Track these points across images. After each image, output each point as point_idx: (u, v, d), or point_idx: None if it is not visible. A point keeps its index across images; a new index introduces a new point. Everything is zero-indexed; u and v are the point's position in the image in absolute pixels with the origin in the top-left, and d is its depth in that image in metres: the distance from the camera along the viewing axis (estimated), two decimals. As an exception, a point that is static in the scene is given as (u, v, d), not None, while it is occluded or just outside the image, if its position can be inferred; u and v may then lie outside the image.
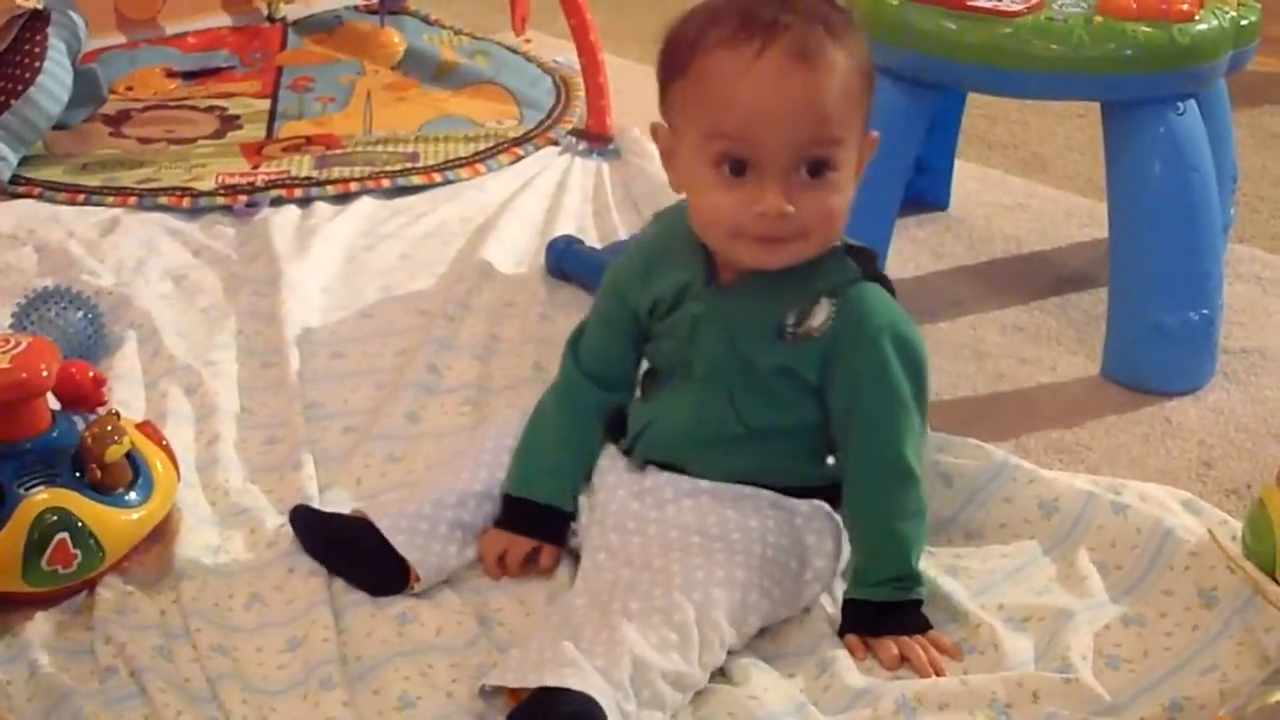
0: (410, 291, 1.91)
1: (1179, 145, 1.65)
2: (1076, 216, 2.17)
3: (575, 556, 1.34)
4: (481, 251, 1.98)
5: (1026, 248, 2.08)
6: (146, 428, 1.44)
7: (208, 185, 2.21)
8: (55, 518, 1.28)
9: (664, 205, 2.07)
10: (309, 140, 2.42)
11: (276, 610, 1.30)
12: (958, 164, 2.20)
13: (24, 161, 2.28)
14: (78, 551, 1.28)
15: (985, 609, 1.27)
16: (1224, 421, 1.64)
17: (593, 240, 2.03)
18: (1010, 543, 1.37)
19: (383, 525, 1.32)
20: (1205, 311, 1.67)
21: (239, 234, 2.08)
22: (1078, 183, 2.30)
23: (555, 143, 2.42)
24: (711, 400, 1.29)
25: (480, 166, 2.32)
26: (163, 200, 2.17)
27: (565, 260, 1.92)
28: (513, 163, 2.35)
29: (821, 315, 1.24)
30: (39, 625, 1.27)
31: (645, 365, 1.40)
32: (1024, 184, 2.30)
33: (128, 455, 1.35)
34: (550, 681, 1.09)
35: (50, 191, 2.21)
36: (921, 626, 1.25)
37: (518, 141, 2.41)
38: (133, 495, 1.34)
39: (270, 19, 3.05)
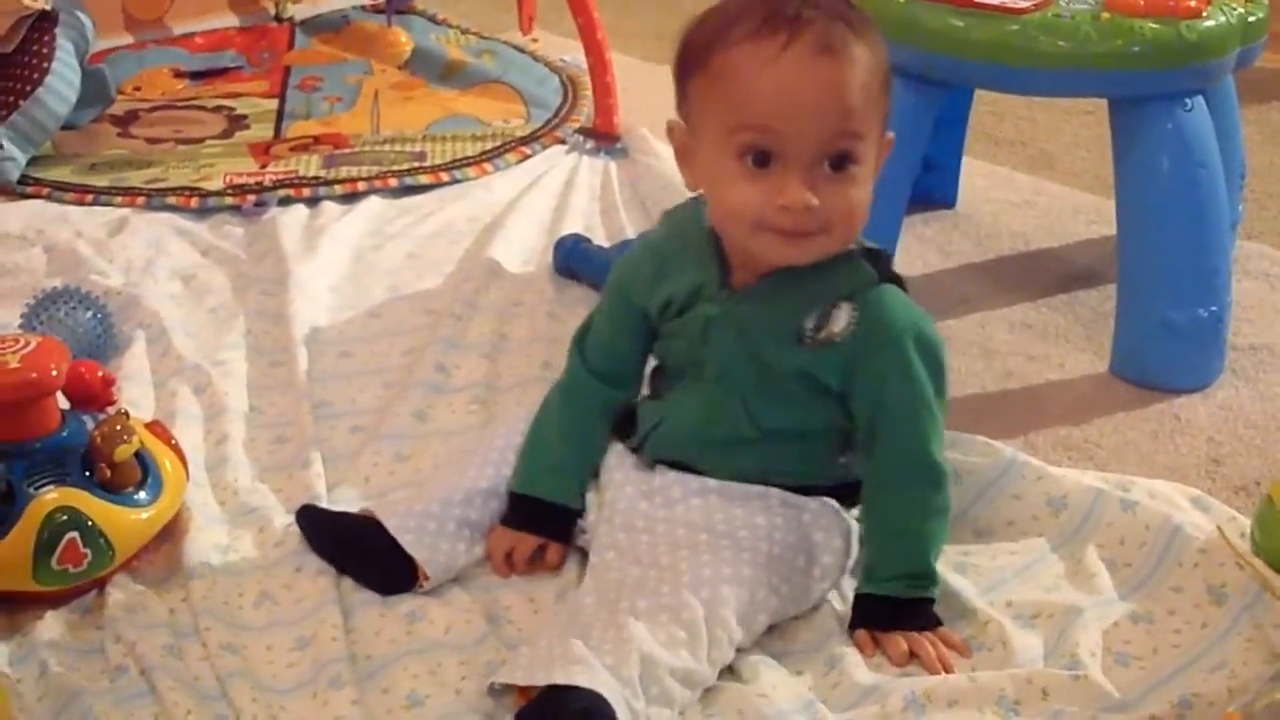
0: (418, 291, 1.91)
1: (1187, 142, 1.65)
2: (1084, 213, 2.16)
3: (584, 554, 1.34)
4: (489, 250, 1.98)
5: (1034, 245, 2.08)
6: (155, 427, 1.44)
7: (216, 185, 2.22)
8: (65, 517, 1.28)
9: (672, 204, 2.08)
10: (316, 140, 2.42)
11: (286, 609, 1.30)
12: (965, 161, 2.20)
13: (32, 162, 2.28)
14: (88, 550, 1.29)
15: (994, 606, 1.27)
16: (1233, 418, 1.63)
17: (600, 239, 2.03)
18: (1019, 540, 1.36)
19: (390, 524, 1.33)
20: (1214, 308, 1.67)
21: (247, 234, 2.09)
22: (1085, 179, 2.30)
23: (563, 142, 2.42)
24: (724, 402, 1.29)
25: (488, 166, 2.32)
26: (171, 200, 2.18)
27: (573, 259, 1.92)
28: (520, 162, 2.35)
29: (843, 320, 1.24)
30: (49, 624, 1.28)
31: (653, 362, 1.40)
32: (1031, 181, 2.29)
33: (137, 454, 1.35)
34: (559, 679, 1.09)
35: (59, 192, 2.22)
36: (931, 623, 1.25)
37: (525, 140, 2.41)
38: (142, 494, 1.35)
39: (277, 19, 3.05)
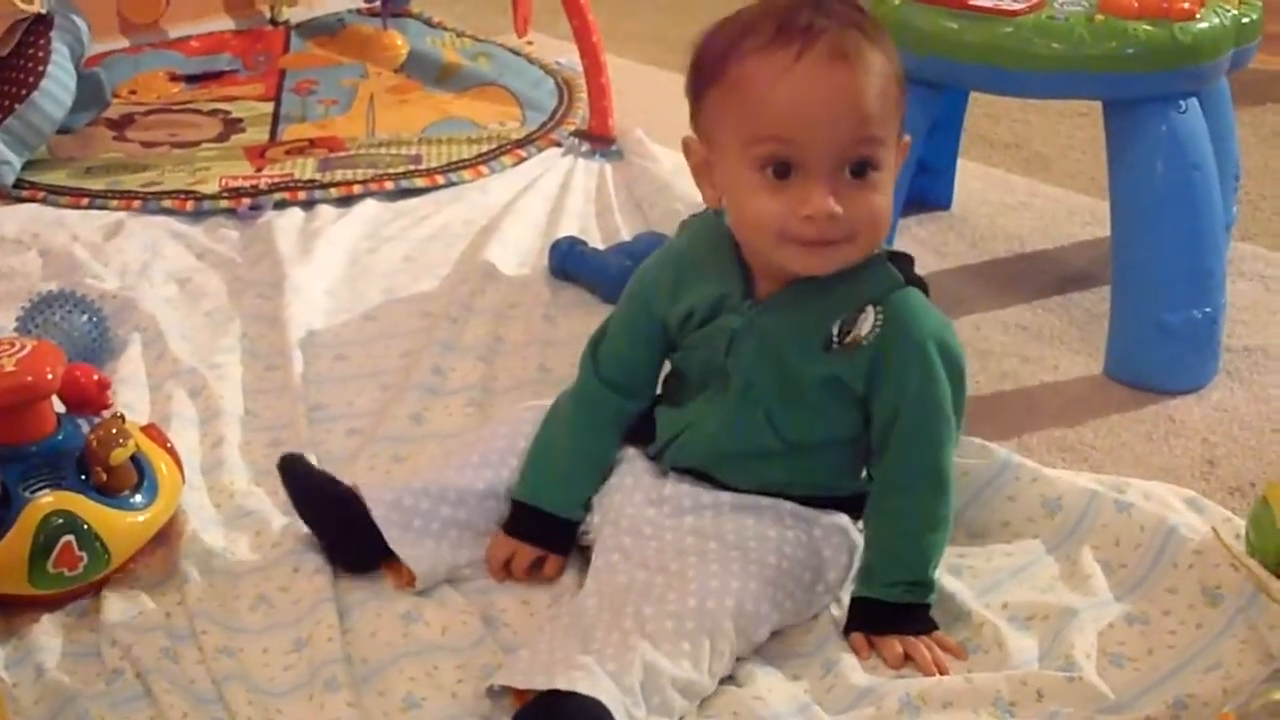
0: (414, 293, 1.92)
1: (1181, 143, 1.65)
2: (1079, 215, 2.17)
3: (584, 557, 1.34)
4: (485, 253, 1.98)
5: (1029, 247, 2.08)
6: (151, 430, 1.44)
7: (211, 188, 2.22)
8: (61, 520, 1.28)
9: (667, 206, 2.09)
10: (312, 143, 2.42)
11: (282, 611, 1.30)
12: (960, 163, 2.20)
13: (28, 165, 2.28)
14: (83, 554, 1.29)
15: (989, 608, 1.27)
16: (1227, 420, 1.64)
17: (596, 241, 2.03)
18: (1014, 541, 1.37)
19: (376, 515, 1.32)
20: (1208, 310, 1.67)
21: (243, 237, 2.09)
22: (1080, 181, 2.30)
23: (558, 144, 2.43)
24: (747, 414, 1.28)
25: (483, 168, 2.32)
26: (166, 203, 2.18)
27: (568, 261, 1.92)
28: (515, 164, 2.35)
29: (868, 323, 1.23)
30: (45, 628, 1.28)
31: (667, 367, 1.39)
32: (1026, 183, 2.30)
33: (133, 458, 1.35)
34: (560, 684, 1.09)
35: (54, 195, 2.22)
36: (927, 627, 1.25)
37: (520, 143, 2.42)
38: (138, 498, 1.35)
39: (273, 22, 3.05)
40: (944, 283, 1.97)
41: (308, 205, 2.18)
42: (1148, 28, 1.62)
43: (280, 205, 2.17)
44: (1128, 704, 1.15)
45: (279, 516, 1.42)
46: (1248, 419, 1.64)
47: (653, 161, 2.27)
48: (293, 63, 2.85)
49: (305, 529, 1.37)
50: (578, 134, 2.45)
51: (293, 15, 3.06)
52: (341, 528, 1.34)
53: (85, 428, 1.36)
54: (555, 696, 1.09)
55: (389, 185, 2.24)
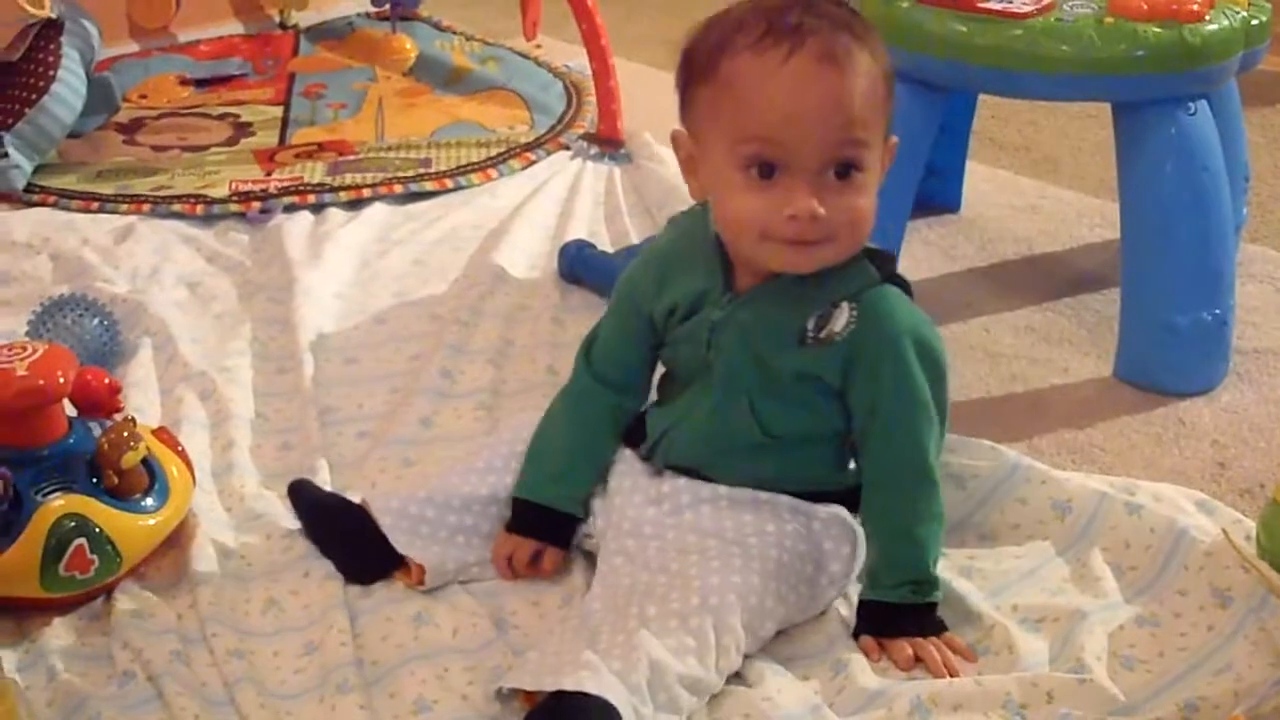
0: (423, 297, 1.92)
1: (1190, 145, 1.65)
2: (1088, 217, 2.17)
3: (591, 560, 1.35)
4: (494, 256, 1.99)
5: (1038, 249, 2.08)
6: (162, 434, 1.45)
7: (221, 192, 2.22)
8: (72, 524, 1.28)
9: (676, 209, 2.08)
10: (321, 147, 2.43)
11: (293, 614, 1.31)
12: (969, 166, 2.20)
13: (38, 170, 2.29)
14: (95, 557, 1.29)
15: (999, 610, 1.27)
16: (1237, 421, 1.63)
17: (604, 244, 2.03)
18: (1024, 544, 1.37)
19: (384, 523, 1.34)
20: (1218, 311, 1.67)
21: (253, 240, 2.09)
22: (1089, 184, 2.30)
23: (567, 147, 2.43)
24: (731, 407, 1.29)
25: (492, 172, 2.33)
26: (176, 207, 2.18)
27: (577, 264, 1.93)
28: (525, 168, 2.35)
29: (842, 319, 1.24)
30: (57, 630, 1.28)
31: (662, 369, 1.40)
32: (1035, 185, 2.30)
33: (144, 461, 1.35)
34: (567, 685, 1.09)
35: (65, 199, 2.22)
36: (936, 628, 1.25)
37: (529, 146, 2.42)
38: (149, 501, 1.35)
39: (282, 26, 3.06)
40: (953, 285, 1.97)
41: (317, 209, 2.18)
42: (1157, 30, 1.61)
43: (290, 209, 2.17)
44: (1138, 706, 1.15)
45: (290, 520, 1.42)
46: (1258, 421, 1.63)
47: (661, 164, 2.27)
48: (302, 66, 2.85)
49: (315, 532, 1.38)
50: (586, 137, 2.45)
51: (302, 19, 3.07)
52: (350, 539, 1.35)
53: (96, 431, 1.36)
54: (563, 697, 1.09)
55: (398, 189, 2.25)
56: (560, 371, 1.69)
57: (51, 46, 2.29)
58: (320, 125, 2.54)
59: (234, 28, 3.05)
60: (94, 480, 1.33)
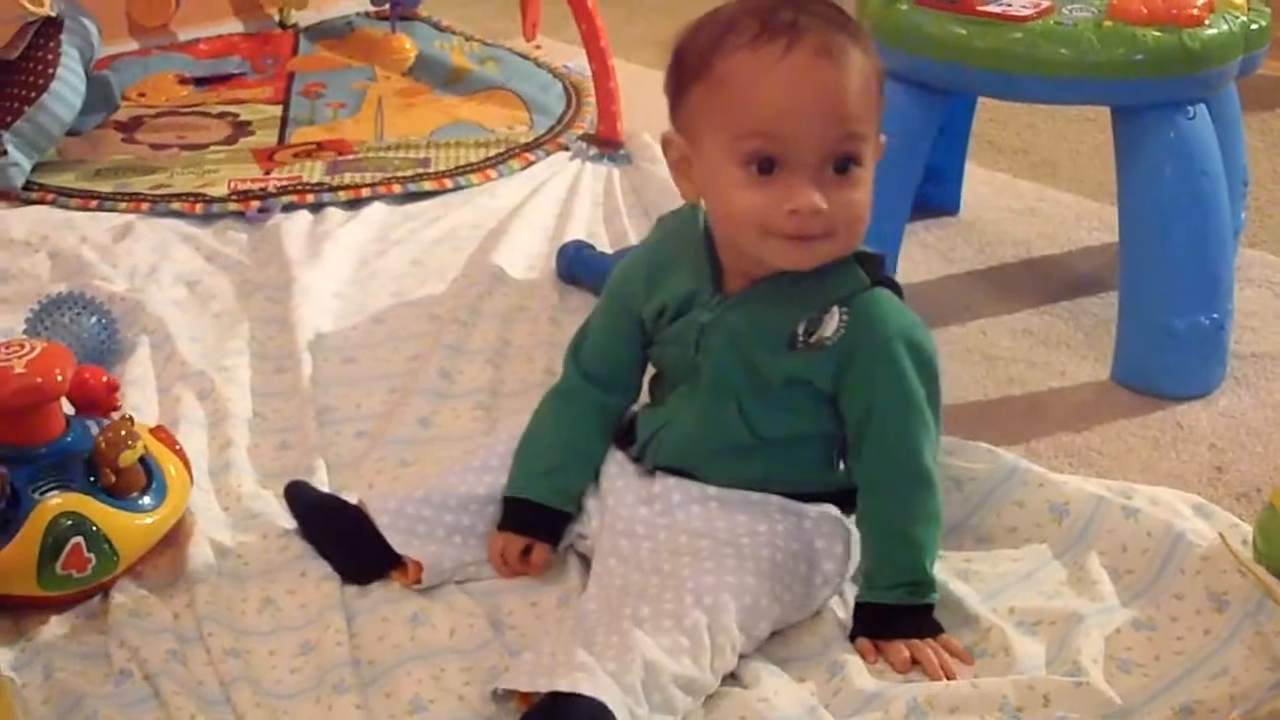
0: (422, 296, 1.92)
1: (1189, 150, 1.65)
2: (1086, 221, 2.17)
3: (587, 561, 1.35)
4: (493, 256, 1.99)
5: (1036, 252, 2.08)
6: (160, 433, 1.45)
7: (220, 191, 2.22)
8: (70, 522, 1.28)
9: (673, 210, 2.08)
10: (320, 146, 2.43)
11: (289, 614, 1.31)
12: (968, 168, 2.21)
13: (37, 167, 2.29)
14: (92, 556, 1.29)
15: (996, 613, 1.27)
16: (1235, 426, 1.63)
17: (603, 245, 2.03)
18: (1021, 546, 1.37)
19: (381, 523, 1.34)
20: (1216, 315, 1.67)
21: (251, 240, 2.09)
22: (1088, 187, 2.30)
23: (566, 148, 2.43)
24: (719, 409, 1.29)
25: (491, 172, 2.33)
26: (175, 206, 2.18)
27: (576, 265, 1.93)
28: (524, 168, 2.35)
29: (833, 324, 1.24)
30: (53, 629, 1.28)
31: (653, 369, 1.40)
32: (1034, 188, 2.30)
33: (141, 460, 1.35)
34: (562, 686, 1.10)
35: (63, 197, 2.22)
36: (933, 630, 1.25)
37: (529, 147, 2.42)
38: (146, 500, 1.35)
39: (282, 25, 3.06)
40: (951, 288, 1.97)
41: (316, 208, 2.18)
42: (1156, 34, 1.62)
43: (289, 208, 2.17)
44: (1135, 710, 1.15)
45: (287, 519, 1.42)
46: (1255, 425, 1.64)
47: (660, 166, 2.26)
48: (301, 65, 2.85)
49: (313, 532, 1.38)
50: (586, 138, 2.45)
51: (301, 18, 3.07)
52: (347, 539, 1.35)
53: (94, 429, 1.37)
54: (558, 698, 1.09)
55: (397, 188, 2.25)
56: (558, 372, 1.67)
57: (51, 44, 2.29)
58: (319, 124, 2.54)
59: (233, 26, 3.05)
60: (91, 479, 1.33)
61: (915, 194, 1.85)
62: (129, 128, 2.53)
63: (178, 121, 2.57)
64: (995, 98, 1.90)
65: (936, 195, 2.14)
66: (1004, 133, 2.51)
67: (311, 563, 1.36)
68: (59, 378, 1.32)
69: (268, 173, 2.30)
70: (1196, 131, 1.66)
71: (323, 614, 1.29)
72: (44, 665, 1.23)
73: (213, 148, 2.44)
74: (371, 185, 2.24)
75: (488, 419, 1.62)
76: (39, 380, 1.31)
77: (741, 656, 1.21)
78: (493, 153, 2.39)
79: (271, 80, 2.77)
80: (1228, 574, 1.25)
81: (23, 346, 1.34)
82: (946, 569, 1.31)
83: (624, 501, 1.33)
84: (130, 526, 1.32)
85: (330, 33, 3.01)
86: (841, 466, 1.31)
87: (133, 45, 2.91)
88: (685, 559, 1.24)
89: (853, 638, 1.26)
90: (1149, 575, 1.30)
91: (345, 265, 2.00)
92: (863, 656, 1.23)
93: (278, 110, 2.61)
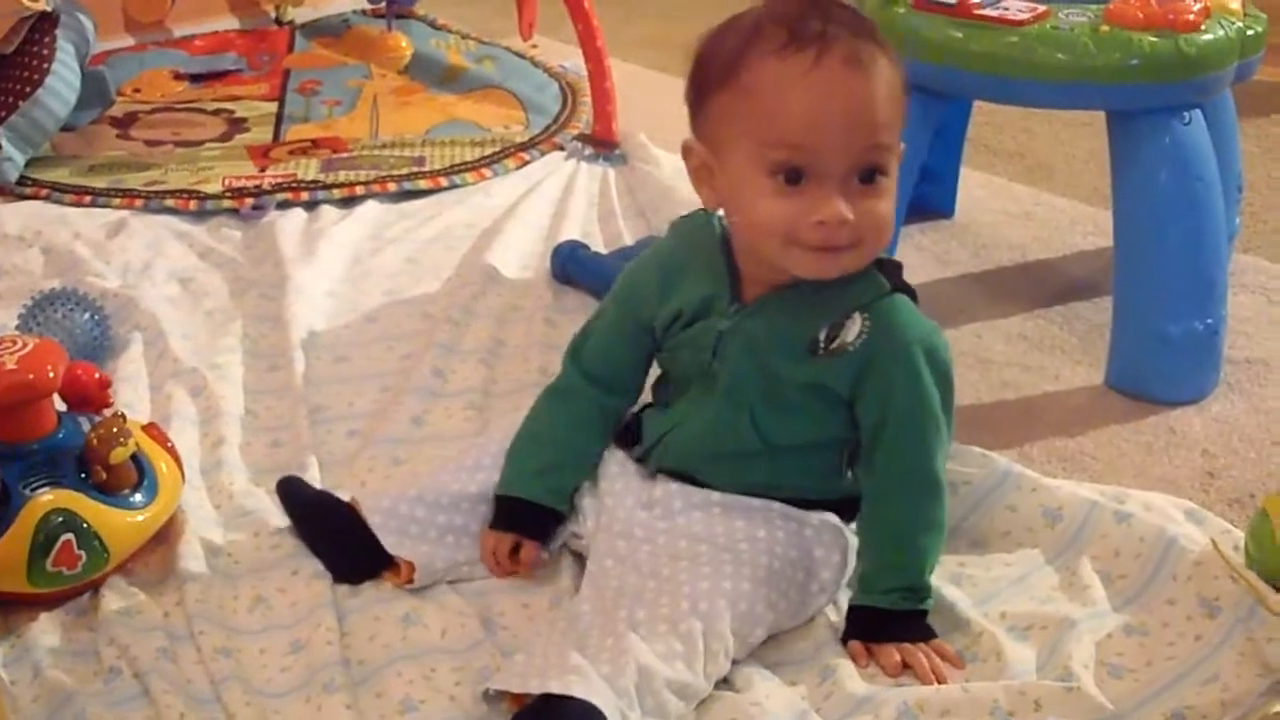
0: (415, 295, 1.92)
1: (1185, 155, 1.65)
2: (1081, 225, 2.17)
3: (581, 561, 1.34)
4: (487, 256, 1.98)
5: (1031, 256, 2.08)
6: (152, 430, 1.44)
7: (214, 188, 2.22)
8: (60, 519, 1.28)
9: (670, 211, 2.09)
10: (315, 143, 2.42)
11: (280, 613, 1.30)
12: (963, 172, 2.21)
13: (31, 163, 2.29)
14: (82, 553, 1.29)
15: (988, 617, 1.27)
16: (1228, 431, 1.63)
17: (598, 245, 2.03)
18: (1013, 551, 1.37)
19: (373, 522, 1.34)
20: (1210, 321, 1.67)
21: (245, 237, 2.09)
22: (1083, 191, 2.30)
23: (561, 148, 2.43)
24: (731, 415, 1.28)
25: (486, 171, 2.32)
26: (169, 203, 2.18)
27: (570, 265, 1.92)
28: (519, 168, 2.35)
29: (854, 330, 1.24)
30: (43, 626, 1.28)
31: (656, 371, 1.40)
32: (1029, 192, 2.30)
33: (133, 457, 1.35)
34: (555, 688, 1.09)
35: (57, 193, 2.22)
36: (925, 634, 1.24)
37: (524, 146, 2.42)
38: (138, 497, 1.35)
39: (278, 22, 3.06)
40: (946, 291, 1.97)
41: (310, 206, 2.18)
42: (1153, 39, 1.62)
43: (283, 205, 2.17)
44: (1125, 715, 1.15)
45: (278, 517, 1.42)
46: (1248, 431, 1.64)
47: (655, 166, 2.27)
48: (297, 63, 2.85)
49: (304, 530, 1.38)
50: (581, 138, 2.45)
51: (298, 15, 3.06)
52: (339, 538, 1.35)
53: (86, 426, 1.36)
54: (550, 700, 1.09)
55: (392, 187, 2.24)
56: (552, 372, 1.67)
57: (46, 40, 2.29)
58: (314, 122, 2.54)
59: (229, 23, 3.04)
60: (83, 475, 1.32)
61: (911, 196, 1.85)
62: (124, 124, 2.53)
63: (172, 118, 2.57)
64: (991, 101, 1.89)
65: (932, 198, 2.14)
66: (1000, 136, 2.51)
67: (303, 561, 1.35)
68: (51, 374, 1.32)
69: (262, 170, 2.30)
70: (1192, 137, 1.66)
71: (313, 613, 1.28)
72: (33, 662, 1.23)
73: (207, 144, 2.43)
74: (366, 183, 2.24)
75: (480, 419, 1.61)
76: (30, 376, 1.30)
77: (734, 662, 1.21)
78: (488, 152, 2.39)
79: (267, 77, 2.77)
80: (1219, 580, 1.25)
81: (14, 342, 1.34)
82: (939, 573, 1.31)
83: (623, 503, 1.33)
84: (121, 524, 1.32)
85: (326, 30, 3.01)
86: (849, 474, 1.31)
87: (128, 41, 2.91)
88: (683, 563, 1.23)
89: (845, 640, 1.26)
90: (1141, 580, 1.30)
91: (339, 263, 2.00)
92: (854, 659, 1.23)
93: (273, 107, 2.61)
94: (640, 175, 2.27)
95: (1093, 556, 1.33)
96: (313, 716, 1.17)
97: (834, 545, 1.29)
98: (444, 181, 2.28)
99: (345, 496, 1.41)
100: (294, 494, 1.43)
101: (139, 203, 2.18)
